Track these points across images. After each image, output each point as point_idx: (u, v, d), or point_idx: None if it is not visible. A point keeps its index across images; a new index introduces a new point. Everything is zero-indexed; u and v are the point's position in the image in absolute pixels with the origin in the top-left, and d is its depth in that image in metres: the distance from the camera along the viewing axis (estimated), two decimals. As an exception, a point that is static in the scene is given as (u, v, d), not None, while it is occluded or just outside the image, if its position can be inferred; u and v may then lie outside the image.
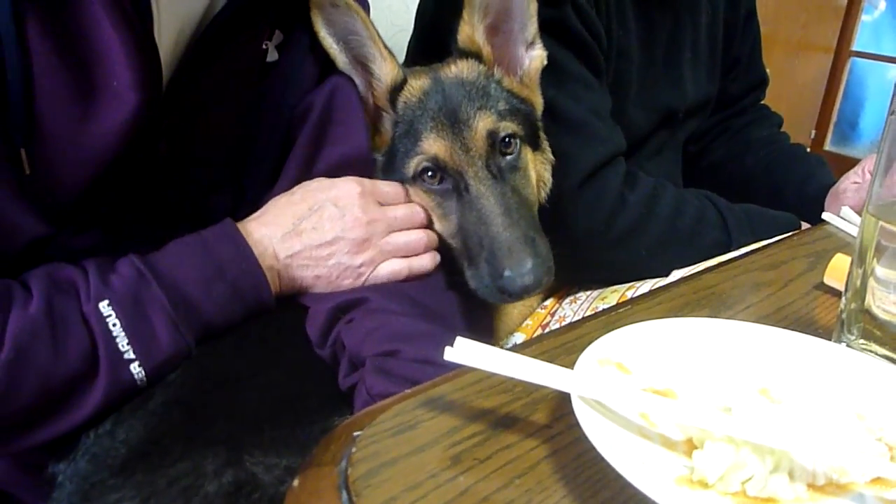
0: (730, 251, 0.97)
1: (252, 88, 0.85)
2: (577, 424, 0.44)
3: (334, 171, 0.86)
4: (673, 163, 1.27)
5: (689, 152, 1.38)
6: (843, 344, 0.58)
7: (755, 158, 1.32)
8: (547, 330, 0.98)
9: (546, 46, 0.90)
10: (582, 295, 0.99)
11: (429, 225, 0.88)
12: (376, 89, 0.90)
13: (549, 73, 0.93)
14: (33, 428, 0.68)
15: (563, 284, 1.05)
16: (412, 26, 1.14)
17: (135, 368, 0.69)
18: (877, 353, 0.56)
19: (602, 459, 0.41)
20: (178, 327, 0.71)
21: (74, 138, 0.70)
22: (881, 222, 0.56)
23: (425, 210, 0.88)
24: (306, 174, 0.87)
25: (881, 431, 0.45)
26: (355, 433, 0.43)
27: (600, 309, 0.94)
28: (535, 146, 0.91)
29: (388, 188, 0.87)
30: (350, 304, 0.79)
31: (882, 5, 3.71)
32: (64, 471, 0.72)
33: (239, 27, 0.79)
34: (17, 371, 0.64)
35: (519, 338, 1.00)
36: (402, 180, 0.87)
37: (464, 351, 0.44)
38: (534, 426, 0.45)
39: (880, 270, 0.57)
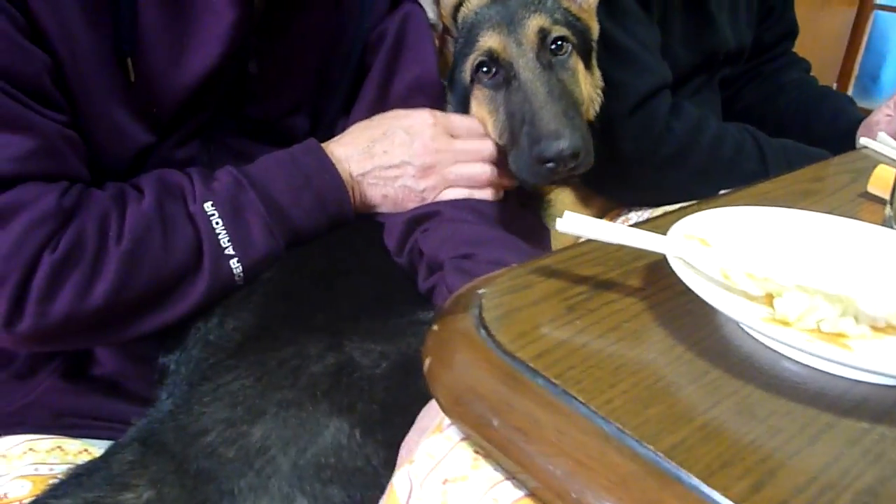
0: None
1: (330, 16, 0.91)
2: (668, 288, 0.52)
3: (407, 96, 0.92)
4: (713, 102, 1.33)
5: (724, 96, 1.43)
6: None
7: (787, 99, 1.38)
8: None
9: None
10: (633, 216, 1.06)
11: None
12: (442, 10, 0.96)
13: (605, 6, 0.98)
14: (145, 316, 0.75)
15: (614, 206, 1.11)
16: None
17: (234, 264, 0.77)
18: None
19: (693, 311, 0.49)
20: (272, 229, 0.79)
21: (175, 51, 0.76)
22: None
23: (481, 111, 0.93)
24: (381, 98, 0.93)
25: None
26: (479, 291, 0.51)
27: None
28: (587, 65, 0.96)
29: (461, 122, 0.92)
30: (424, 216, 0.87)
31: (908, -43, 3.69)
32: (177, 359, 0.80)
33: None
34: (134, 261, 0.72)
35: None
36: (463, 87, 0.93)
37: (574, 222, 0.52)
38: (630, 288, 0.52)
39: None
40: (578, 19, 0.95)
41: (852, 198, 0.77)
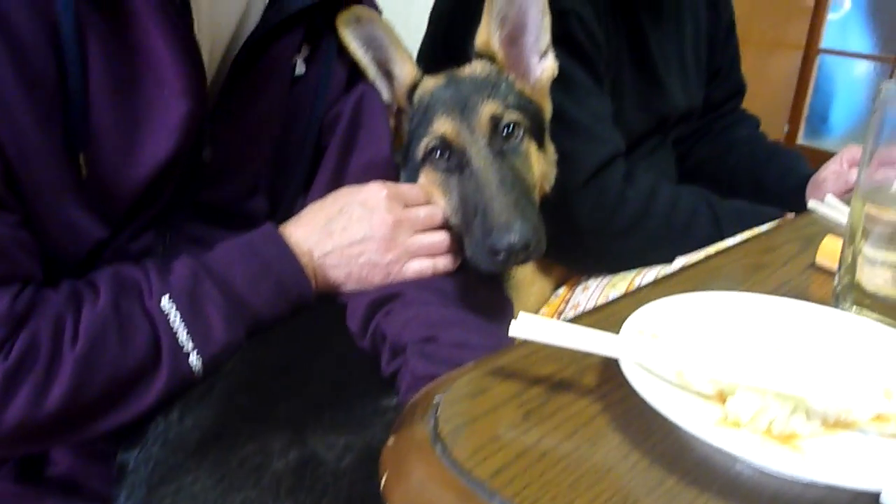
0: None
1: (284, 100, 0.91)
2: (622, 385, 0.52)
3: (362, 175, 0.93)
4: (666, 162, 1.36)
5: (677, 153, 1.47)
6: (839, 313, 0.66)
7: (737, 157, 1.42)
8: (562, 317, 1.06)
9: (555, 56, 0.99)
10: (592, 283, 1.07)
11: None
12: (397, 91, 0.98)
13: (556, 80, 1.01)
14: (103, 416, 0.74)
15: (573, 274, 1.13)
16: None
17: (193, 358, 0.76)
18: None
19: (647, 412, 0.49)
20: (231, 320, 0.78)
21: (128, 145, 0.76)
22: (867, 205, 0.64)
23: (435, 192, 0.93)
24: (337, 179, 0.94)
25: (879, 379, 0.54)
26: (436, 398, 0.51)
27: (611, 296, 1.03)
28: (540, 144, 0.98)
29: (411, 190, 0.93)
30: (386, 298, 0.87)
31: (847, 4, 3.85)
32: (136, 457, 0.78)
33: (271, 43, 0.86)
34: (90, 364, 0.70)
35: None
36: (415, 167, 0.94)
37: (526, 325, 0.52)
38: (586, 388, 0.53)
39: (868, 248, 0.65)
40: (531, 101, 0.96)
41: (802, 269, 0.79)
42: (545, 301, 1.08)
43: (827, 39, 3.88)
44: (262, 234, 0.84)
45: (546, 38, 0.96)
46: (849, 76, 3.96)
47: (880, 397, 0.51)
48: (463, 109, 0.90)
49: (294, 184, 0.96)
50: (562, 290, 1.10)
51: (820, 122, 3.98)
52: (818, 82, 3.95)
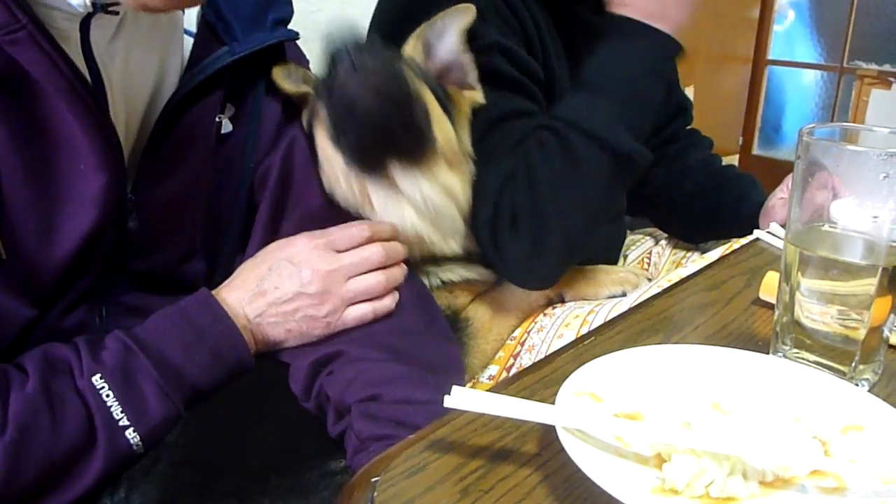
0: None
1: (210, 162, 0.89)
2: (563, 451, 0.51)
3: (297, 229, 0.91)
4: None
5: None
6: (780, 354, 0.67)
7: (692, 182, 1.41)
8: (518, 359, 1.06)
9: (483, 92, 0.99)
10: (547, 322, 1.07)
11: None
12: None
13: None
14: (42, 500, 0.71)
15: (531, 312, 1.11)
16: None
17: (130, 434, 0.74)
18: (808, 360, 0.65)
19: (587, 479, 0.49)
20: (167, 393, 0.76)
21: (46, 223, 0.74)
22: (799, 249, 0.65)
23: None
24: (272, 235, 0.92)
25: (814, 430, 0.54)
26: (373, 479, 0.50)
27: (565, 335, 1.02)
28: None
29: (342, 234, 0.91)
30: (327, 357, 0.85)
31: (791, 15, 3.95)
32: (85, 538, 0.76)
33: (190, 107, 0.84)
34: (20, 450, 0.68)
35: (493, 369, 1.07)
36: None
37: (460, 397, 0.51)
38: (526, 456, 0.52)
39: (804, 286, 0.65)
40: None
41: (747, 306, 0.79)
42: (501, 345, 1.07)
43: (774, 50, 3.96)
44: (195, 301, 0.83)
45: (473, 74, 0.96)
46: (798, 85, 4.04)
47: (817, 451, 0.51)
48: None
49: (230, 244, 0.94)
50: (517, 332, 1.09)
51: (773, 131, 4.05)
52: (768, 93, 4.03)
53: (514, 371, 1.05)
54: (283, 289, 0.85)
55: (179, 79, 0.84)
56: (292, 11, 0.95)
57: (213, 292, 0.84)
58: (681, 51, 1.02)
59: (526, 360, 1.05)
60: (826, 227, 0.65)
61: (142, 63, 0.82)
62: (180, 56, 0.86)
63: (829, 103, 3.91)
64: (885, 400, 0.62)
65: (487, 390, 0.56)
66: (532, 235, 0.97)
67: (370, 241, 0.91)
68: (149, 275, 0.86)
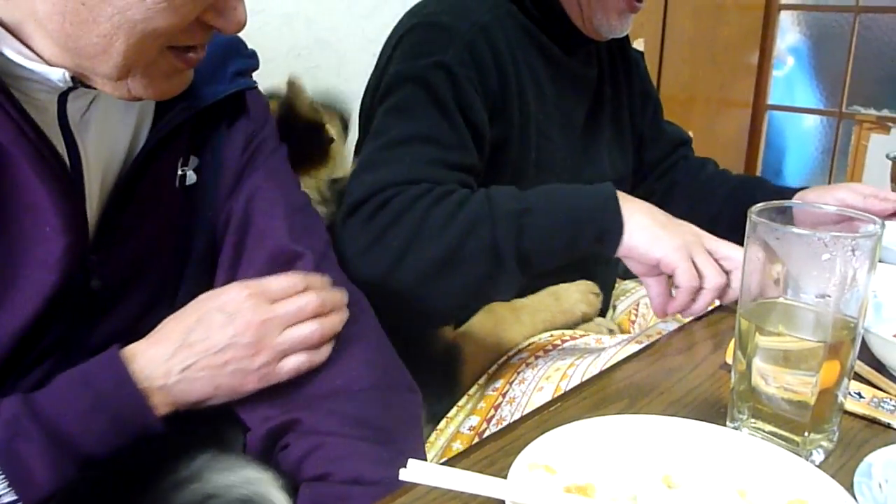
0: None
1: (174, 215, 0.90)
2: (516, 522, 0.53)
3: (257, 275, 0.89)
4: None
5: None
6: (736, 424, 0.69)
7: (713, 196, 1.42)
8: (499, 411, 1.08)
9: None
10: (529, 375, 1.09)
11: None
12: None
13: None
14: None
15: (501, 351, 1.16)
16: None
17: None
18: (764, 430, 0.67)
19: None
20: (56, 463, 0.73)
21: (7, 282, 0.75)
22: (750, 323, 0.67)
23: None
24: (232, 281, 0.90)
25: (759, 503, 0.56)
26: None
27: (545, 389, 1.05)
28: None
29: (278, 283, 0.87)
30: (282, 427, 0.84)
31: (790, 60, 4.00)
32: None
33: (155, 158, 0.85)
34: None
35: (474, 419, 1.10)
36: None
37: (415, 471, 0.54)
38: (479, 530, 0.54)
39: (758, 359, 0.68)
40: None
41: (714, 371, 0.81)
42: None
43: (774, 96, 4.01)
44: (100, 361, 0.79)
45: None
46: (798, 130, 4.08)
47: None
48: None
49: (199, 292, 0.90)
50: (499, 384, 1.11)
51: (774, 175, 4.07)
52: (769, 137, 4.07)
53: (494, 422, 1.08)
54: (213, 339, 0.81)
55: (147, 135, 0.86)
56: (257, 63, 0.97)
57: (129, 349, 0.80)
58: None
59: (506, 412, 1.07)
60: (781, 300, 0.68)
61: (118, 123, 0.84)
62: (152, 111, 0.88)
63: (829, 147, 3.94)
64: (840, 468, 0.64)
65: (448, 459, 0.59)
66: (382, 233, 1.04)
67: (306, 290, 0.87)
68: (114, 332, 0.85)
